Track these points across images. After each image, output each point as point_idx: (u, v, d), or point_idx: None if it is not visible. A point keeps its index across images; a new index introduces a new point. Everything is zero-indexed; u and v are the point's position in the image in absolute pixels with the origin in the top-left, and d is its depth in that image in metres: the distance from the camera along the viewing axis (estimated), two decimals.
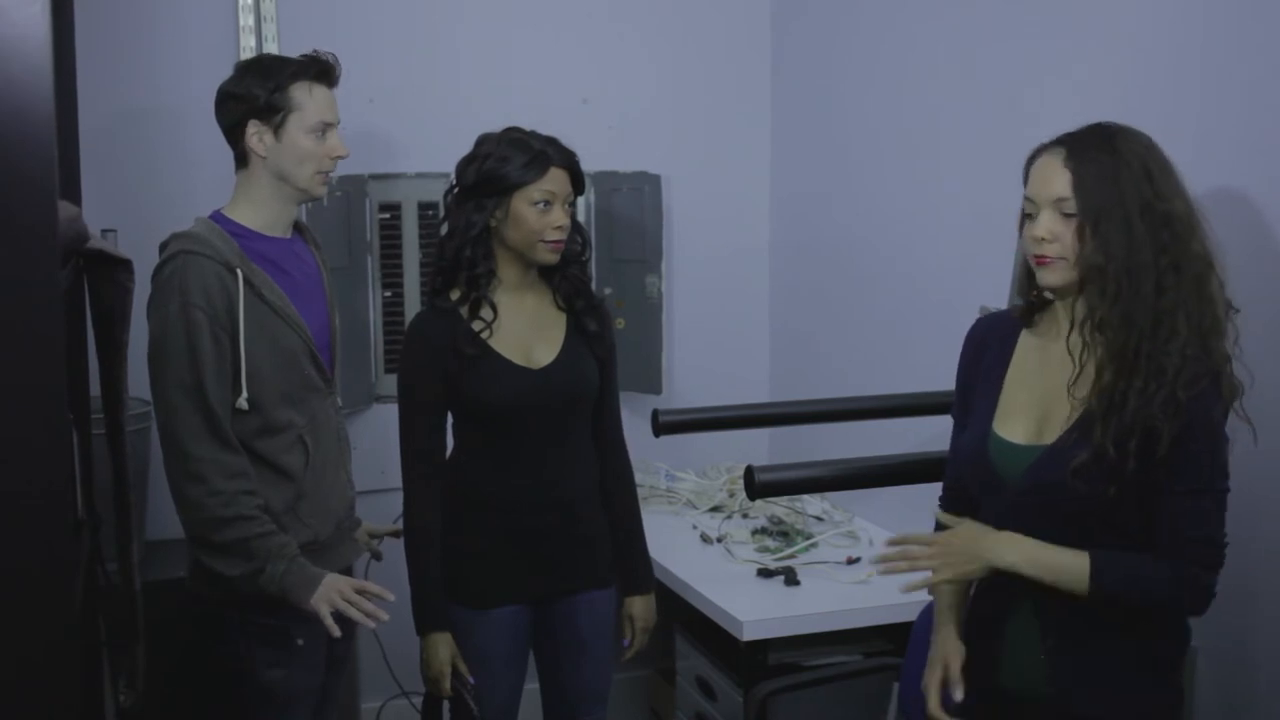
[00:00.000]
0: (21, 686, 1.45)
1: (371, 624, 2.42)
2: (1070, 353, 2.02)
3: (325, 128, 2.53)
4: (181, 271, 2.39)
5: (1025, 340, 2.18)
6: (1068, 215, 1.99)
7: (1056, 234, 2.00)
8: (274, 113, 2.48)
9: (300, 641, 2.48)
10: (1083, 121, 2.08)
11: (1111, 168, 1.98)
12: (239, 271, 2.42)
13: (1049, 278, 2.03)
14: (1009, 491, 2.08)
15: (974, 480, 2.16)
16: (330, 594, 2.39)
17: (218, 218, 2.52)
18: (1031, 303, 2.18)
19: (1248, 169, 2.39)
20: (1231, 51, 2.41)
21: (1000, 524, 2.07)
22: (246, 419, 2.44)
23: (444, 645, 2.67)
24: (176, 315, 2.37)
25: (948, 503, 2.30)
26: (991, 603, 2.16)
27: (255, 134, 2.49)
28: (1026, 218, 2.06)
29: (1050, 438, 2.06)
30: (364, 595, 2.41)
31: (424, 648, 2.69)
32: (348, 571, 2.67)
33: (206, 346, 2.38)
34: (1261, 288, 2.33)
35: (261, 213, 2.53)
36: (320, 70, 2.53)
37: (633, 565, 2.86)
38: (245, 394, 2.42)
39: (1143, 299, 1.95)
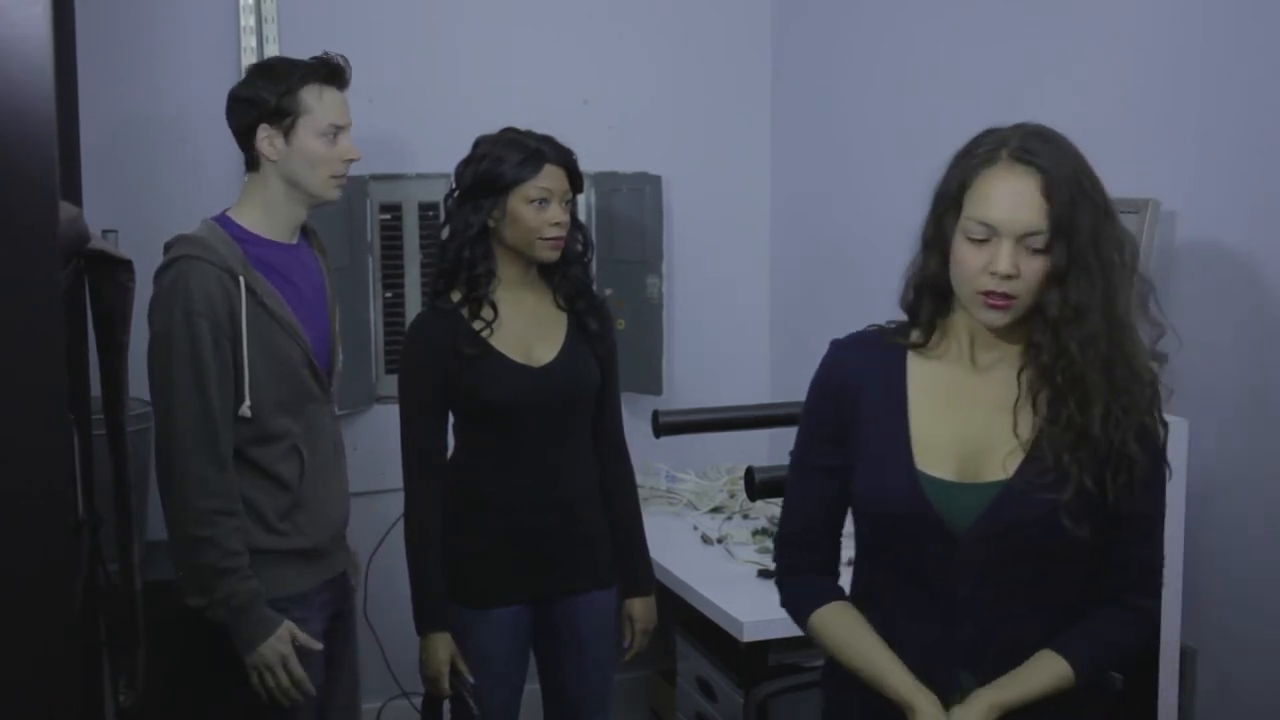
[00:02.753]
0: (22, 686, 1.45)
1: (298, 699, 2.44)
2: (1022, 384, 1.84)
3: (336, 130, 2.52)
4: (184, 276, 2.38)
5: (918, 367, 1.93)
6: (1035, 251, 1.76)
7: (1021, 271, 1.76)
8: (284, 116, 2.48)
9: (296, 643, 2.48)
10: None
11: (1081, 194, 1.77)
12: (241, 278, 2.41)
13: (998, 319, 1.80)
14: (962, 537, 1.83)
15: (904, 526, 1.87)
16: (269, 657, 2.41)
17: (223, 220, 2.51)
18: (907, 326, 1.95)
19: (1248, 169, 2.39)
20: (1231, 51, 2.41)
21: (945, 575, 1.84)
22: (242, 427, 2.43)
23: (443, 645, 2.67)
24: (180, 322, 2.37)
25: (799, 557, 2.02)
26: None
27: (266, 138, 2.49)
28: (971, 241, 1.79)
29: (994, 474, 1.84)
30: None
31: (423, 648, 2.69)
32: (341, 579, 2.67)
33: (209, 355, 2.37)
34: (1263, 287, 2.33)
35: (270, 217, 2.53)
36: (330, 73, 2.53)
37: (633, 566, 2.86)
38: (248, 401, 2.42)
39: (1106, 325, 1.78)
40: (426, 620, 2.69)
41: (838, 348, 2.02)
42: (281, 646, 2.40)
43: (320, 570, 2.58)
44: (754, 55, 4.04)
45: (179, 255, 2.41)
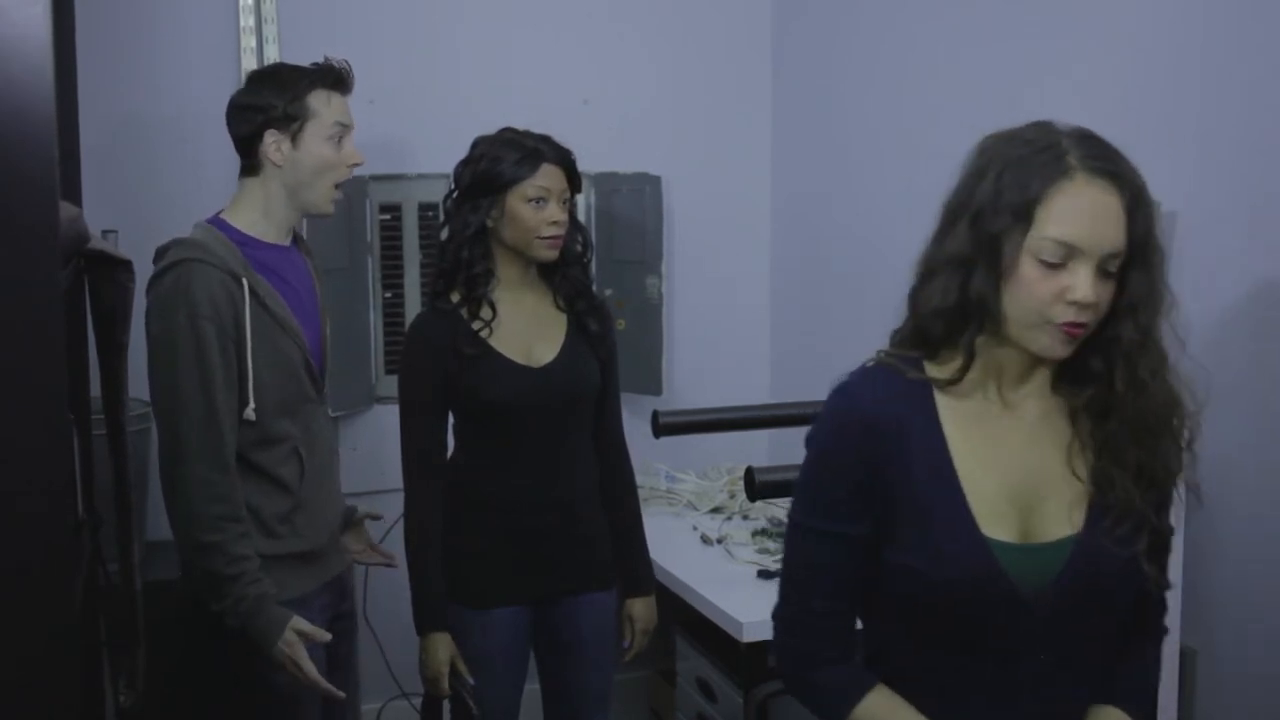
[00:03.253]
0: (21, 686, 1.45)
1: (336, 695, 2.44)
2: (1079, 421, 1.67)
3: (341, 132, 2.53)
4: (187, 280, 2.36)
5: (949, 408, 1.69)
6: (1108, 274, 1.58)
7: (1098, 297, 1.57)
8: (291, 121, 2.48)
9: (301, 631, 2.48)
10: (1083, 122, 2.05)
11: (1153, 212, 1.60)
12: (244, 280, 2.41)
13: (1066, 351, 1.61)
14: (1040, 604, 1.62)
15: (969, 598, 1.62)
16: (279, 658, 2.38)
17: (218, 223, 2.50)
18: (918, 358, 1.73)
19: (1247, 169, 2.39)
20: (1231, 51, 2.41)
21: (1025, 648, 1.64)
22: (245, 430, 2.43)
23: (443, 646, 2.67)
24: (184, 326, 2.35)
25: (816, 642, 1.73)
26: None
27: (273, 143, 2.48)
28: (1043, 264, 1.57)
29: (1060, 529, 1.65)
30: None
31: (423, 648, 2.69)
32: (339, 581, 2.67)
33: (215, 359, 2.36)
34: (1264, 288, 2.33)
35: (266, 221, 2.52)
36: (336, 78, 2.54)
37: (633, 566, 2.86)
38: (252, 404, 2.42)
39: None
40: (426, 620, 2.69)
41: (851, 393, 1.73)
42: (289, 648, 2.39)
43: (318, 572, 2.58)
44: (754, 55, 4.04)
45: (180, 259, 2.39)
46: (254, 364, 2.41)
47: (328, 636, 2.44)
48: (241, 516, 2.39)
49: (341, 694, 2.45)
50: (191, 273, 2.37)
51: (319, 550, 2.57)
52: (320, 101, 2.51)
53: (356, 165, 2.58)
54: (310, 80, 2.51)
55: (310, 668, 2.38)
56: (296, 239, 2.65)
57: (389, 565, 2.90)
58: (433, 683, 2.69)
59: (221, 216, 2.52)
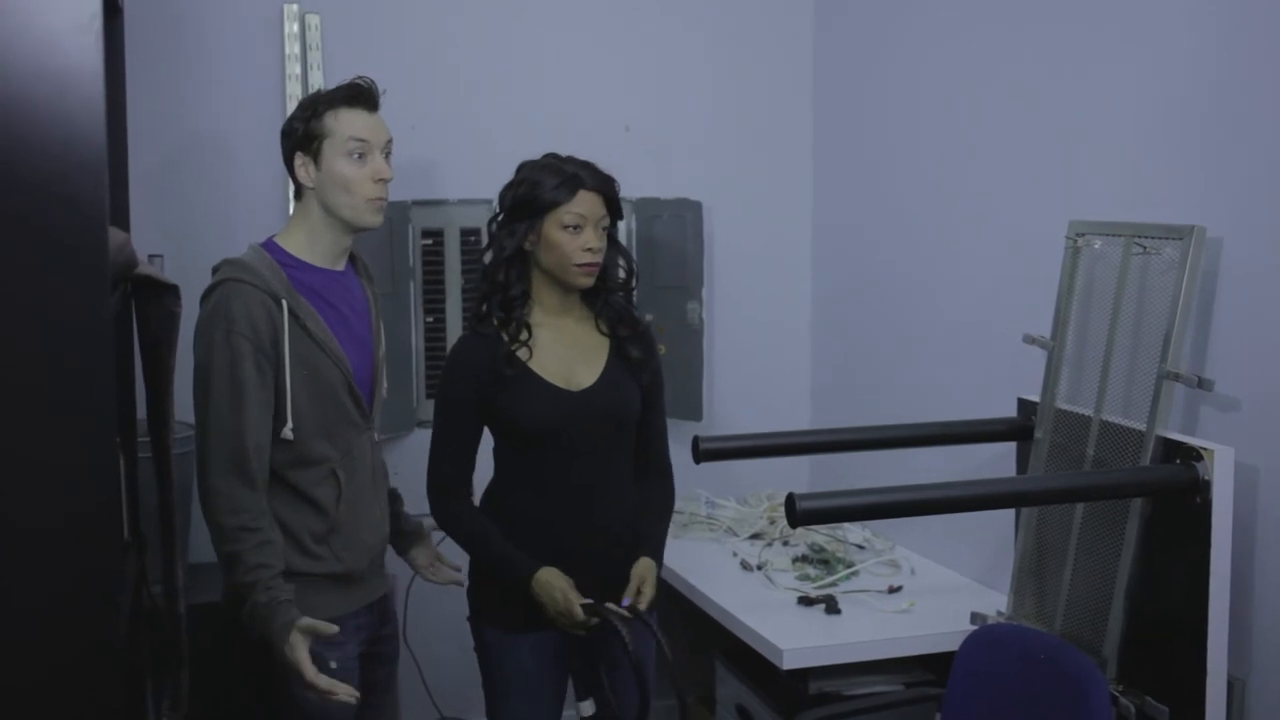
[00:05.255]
0: (68, 706, 1.46)
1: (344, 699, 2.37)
2: None
3: (361, 149, 2.53)
4: (227, 299, 2.42)
5: None
6: None
7: None
8: (311, 141, 2.53)
9: (333, 664, 2.48)
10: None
11: None
12: (284, 302, 2.44)
13: None
14: None
15: None
16: (287, 665, 2.35)
17: (270, 246, 2.55)
18: None
19: None
20: (1277, 77, 2.39)
21: None
22: (283, 449, 2.46)
23: (554, 577, 2.62)
24: (221, 342, 2.41)
25: None
26: None
27: (301, 165, 2.54)
28: None
29: None
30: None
31: (538, 595, 2.62)
32: (381, 604, 2.67)
33: (249, 375, 2.40)
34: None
35: (313, 243, 2.56)
36: (351, 95, 2.56)
37: (648, 536, 2.79)
38: (290, 424, 2.45)
39: None
40: (522, 570, 2.64)
41: None
42: (291, 654, 2.34)
43: (357, 596, 2.59)
44: (795, 82, 4.04)
45: (223, 279, 2.45)
46: (291, 384, 2.43)
47: (333, 629, 2.39)
48: (261, 528, 2.41)
49: (347, 694, 2.36)
50: (232, 292, 2.42)
51: (356, 574, 2.58)
52: (336, 119, 2.53)
53: (384, 180, 2.56)
54: (327, 100, 2.55)
55: (309, 666, 2.33)
56: (355, 262, 2.67)
57: (457, 583, 2.87)
58: (565, 615, 2.62)
59: (274, 240, 2.57)
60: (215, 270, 2.50)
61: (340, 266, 2.60)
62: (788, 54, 4.03)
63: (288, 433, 2.45)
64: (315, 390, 2.49)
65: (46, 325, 1.46)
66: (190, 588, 3.01)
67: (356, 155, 2.53)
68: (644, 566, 2.71)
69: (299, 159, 2.54)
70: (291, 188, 2.64)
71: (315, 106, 2.55)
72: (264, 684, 2.49)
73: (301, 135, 2.53)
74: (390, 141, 2.60)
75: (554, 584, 2.62)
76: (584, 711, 2.72)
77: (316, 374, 2.49)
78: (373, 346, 2.66)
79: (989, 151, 3.21)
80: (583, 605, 2.60)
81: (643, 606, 2.66)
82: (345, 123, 2.53)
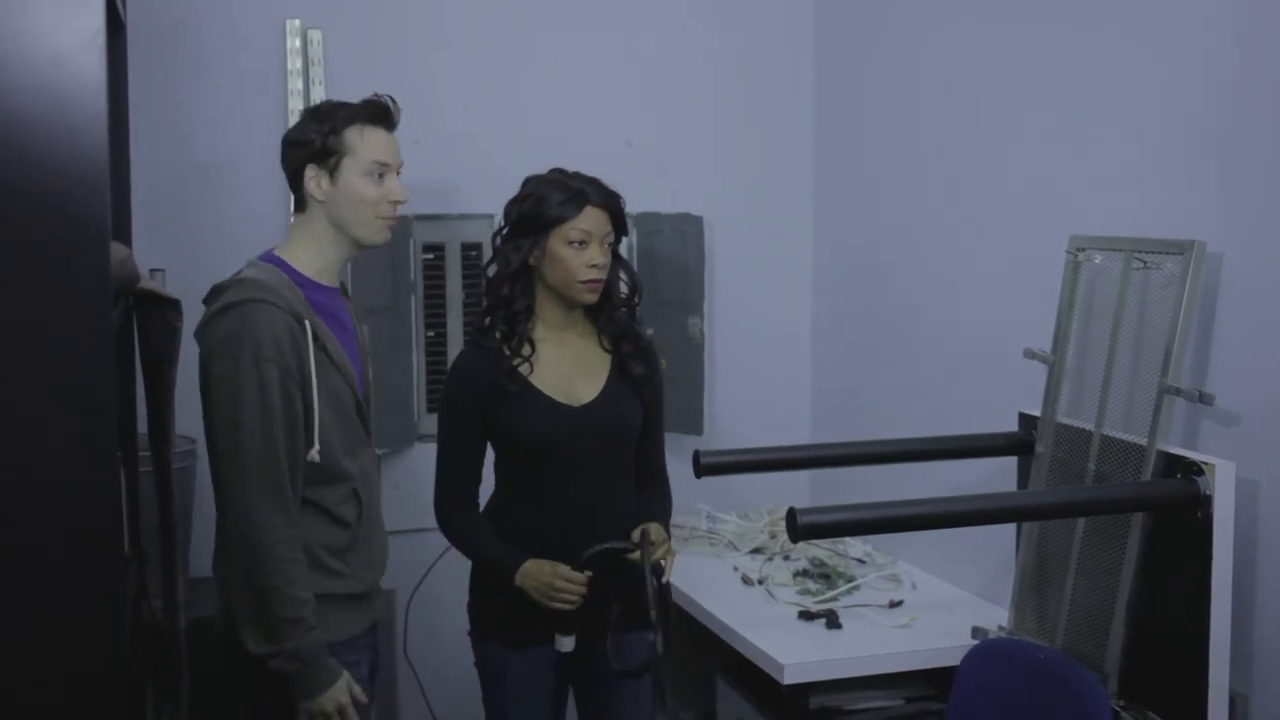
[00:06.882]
0: (70, 718, 1.46)
1: None
2: None
3: (381, 170, 2.49)
4: (252, 321, 2.34)
5: None
6: None
7: None
8: (329, 156, 2.46)
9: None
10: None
11: None
12: (307, 322, 2.39)
13: None
14: None
15: None
16: (328, 707, 2.39)
17: (278, 262, 2.47)
18: None
19: None
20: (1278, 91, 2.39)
21: None
22: (311, 471, 2.41)
23: (542, 565, 2.64)
24: (249, 369, 2.33)
25: None
26: None
27: (313, 178, 2.47)
28: None
29: None
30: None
31: (525, 584, 2.65)
32: (378, 626, 2.68)
33: (278, 401, 2.34)
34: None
35: (317, 259, 2.50)
36: (374, 113, 2.50)
37: (651, 514, 2.80)
38: (318, 446, 2.40)
39: None
40: (508, 566, 2.67)
41: None
42: (341, 697, 2.38)
43: (368, 614, 2.58)
44: (796, 97, 4.05)
45: (244, 298, 2.36)
46: (319, 406, 2.41)
47: (365, 699, 2.46)
48: (301, 558, 2.38)
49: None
50: (257, 313, 2.35)
51: (370, 592, 2.57)
52: (356, 136, 2.47)
53: (399, 202, 2.52)
54: (349, 115, 2.49)
55: (353, 714, 2.41)
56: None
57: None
58: (562, 592, 2.63)
59: (278, 254, 2.50)
60: (221, 290, 2.42)
61: (336, 284, 2.59)
62: (789, 70, 4.04)
63: (314, 455, 2.39)
64: (336, 409, 2.46)
65: (49, 339, 1.47)
66: (191, 602, 3.01)
67: (377, 175, 2.49)
68: (655, 530, 2.71)
69: (311, 171, 2.47)
70: (292, 200, 2.58)
71: (334, 119, 2.48)
72: (263, 700, 2.48)
73: (319, 148, 2.46)
74: (402, 163, 2.57)
75: (541, 567, 2.64)
76: (563, 646, 2.71)
77: (335, 394, 2.46)
78: (362, 362, 2.64)
79: (989, 166, 3.21)
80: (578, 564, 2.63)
81: (655, 555, 2.65)
82: (369, 143, 2.48)
